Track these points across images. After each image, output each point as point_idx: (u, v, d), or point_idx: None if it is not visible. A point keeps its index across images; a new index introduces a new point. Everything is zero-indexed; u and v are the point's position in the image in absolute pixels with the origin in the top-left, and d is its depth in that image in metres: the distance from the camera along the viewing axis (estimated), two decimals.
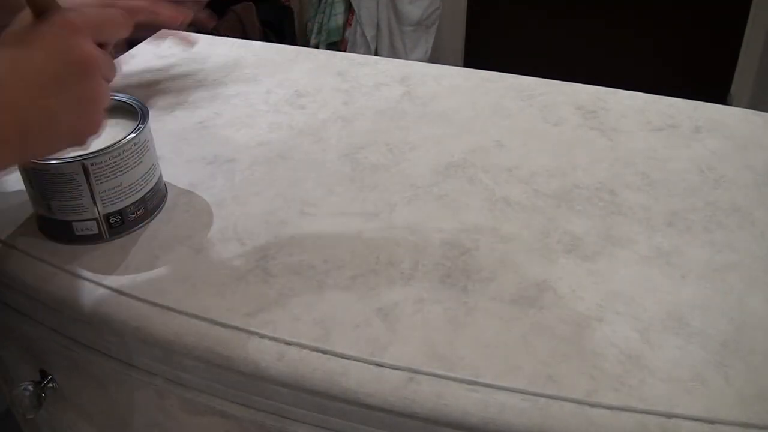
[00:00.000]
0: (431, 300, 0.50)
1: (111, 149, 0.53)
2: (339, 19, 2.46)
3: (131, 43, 0.69)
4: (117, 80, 0.48)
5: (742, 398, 0.43)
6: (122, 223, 0.56)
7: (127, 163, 0.54)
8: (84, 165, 0.52)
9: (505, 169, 0.64)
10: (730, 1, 2.18)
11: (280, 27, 2.32)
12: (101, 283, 0.52)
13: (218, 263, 0.54)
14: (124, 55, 0.85)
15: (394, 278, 0.52)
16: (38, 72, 0.42)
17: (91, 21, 0.46)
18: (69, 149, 0.48)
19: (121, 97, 0.58)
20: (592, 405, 0.43)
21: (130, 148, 0.54)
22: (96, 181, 0.53)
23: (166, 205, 0.60)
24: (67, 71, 0.43)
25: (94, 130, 0.46)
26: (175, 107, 0.74)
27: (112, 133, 0.54)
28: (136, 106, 0.57)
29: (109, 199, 0.54)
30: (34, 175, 0.53)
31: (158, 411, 0.55)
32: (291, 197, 0.61)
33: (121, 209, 0.55)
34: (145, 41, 0.87)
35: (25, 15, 0.44)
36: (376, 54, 2.45)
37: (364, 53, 2.05)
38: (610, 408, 0.43)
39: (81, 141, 0.46)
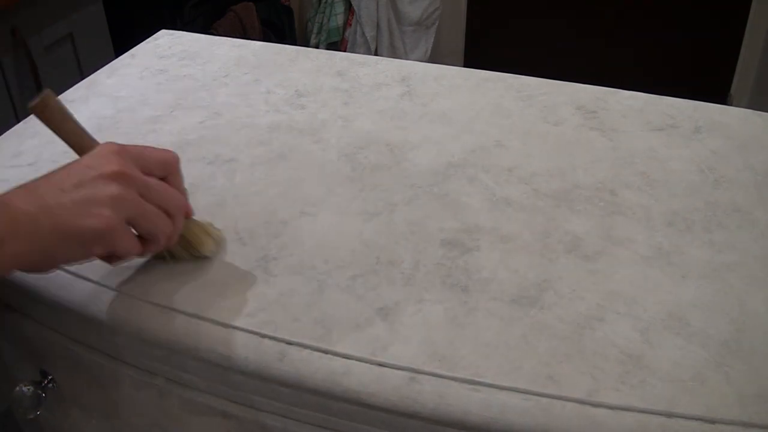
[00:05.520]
0: (432, 300, 0.50)
1: None
2: (339, 19, 2.46)
3: None
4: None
5: (742, 398, 0.43)
6: None
7: None
8: None
9: (505, 169, 0.64)
10: (730, 1, 2.18)
11: (280, 27, 2.32)
12: (101, 283, 0.52)
13: (218, 263, 0.54)
14: (123, 55, 0.85)
15: (394, 278, 0.52)
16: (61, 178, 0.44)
17: (139, 152, 0.48)
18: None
19: None
20: (594, 405, 0.43)
21: None
22: None
23: None
24: (90, 179, 0.44)
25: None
26: (175, 107, 0.74)
27: None
28: None
29: None
30: None
31: (158, 411, 0.54)
32: (291, 197, 0.61)
33: None
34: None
35: None
36: (376, 54, 2.45)
37: (364, 53, 2.05)
38: (611, 408, 0.43)
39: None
